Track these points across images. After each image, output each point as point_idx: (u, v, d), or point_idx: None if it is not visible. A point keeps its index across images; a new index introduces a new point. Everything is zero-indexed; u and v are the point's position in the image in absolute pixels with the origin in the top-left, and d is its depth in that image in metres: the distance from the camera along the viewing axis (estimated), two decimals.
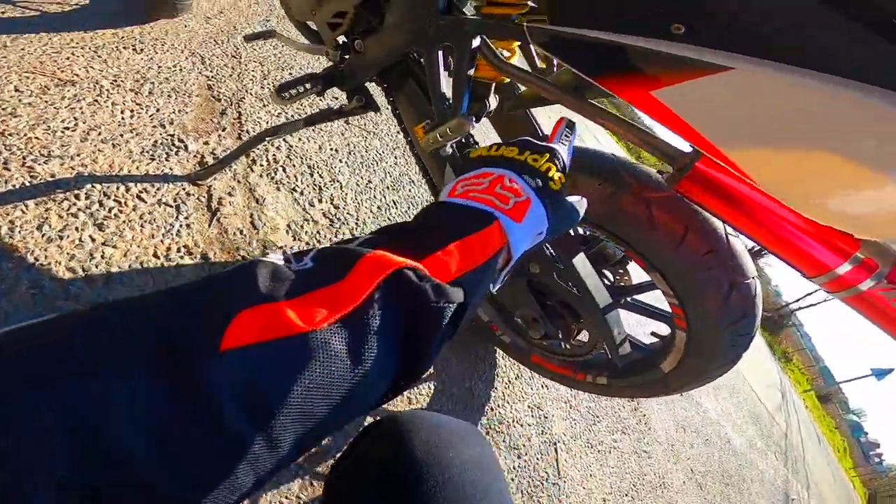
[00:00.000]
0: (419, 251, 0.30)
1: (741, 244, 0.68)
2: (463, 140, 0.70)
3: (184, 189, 0.95)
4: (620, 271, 0.92)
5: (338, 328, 0.23)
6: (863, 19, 0.34)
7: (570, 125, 0.48)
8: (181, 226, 0.89)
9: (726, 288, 0.66)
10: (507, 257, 0.37)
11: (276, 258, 0.26)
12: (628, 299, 0.91)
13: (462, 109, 0.64)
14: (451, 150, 0.67)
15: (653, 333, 0.99)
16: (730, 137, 0.43)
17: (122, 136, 0.97)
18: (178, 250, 0.86)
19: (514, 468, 1.19)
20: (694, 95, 0.43)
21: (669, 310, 0.81)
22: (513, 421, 1.28)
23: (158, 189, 0.92)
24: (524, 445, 1.26)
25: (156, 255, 0.84)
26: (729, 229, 0.67)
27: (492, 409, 1.24)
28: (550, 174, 0.40)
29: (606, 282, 0.92)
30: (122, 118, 1.01)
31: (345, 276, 0.25)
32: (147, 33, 1.24)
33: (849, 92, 0.35)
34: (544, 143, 0.43)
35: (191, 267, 0.86)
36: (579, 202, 0.45)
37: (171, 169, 0.97)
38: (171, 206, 0.91)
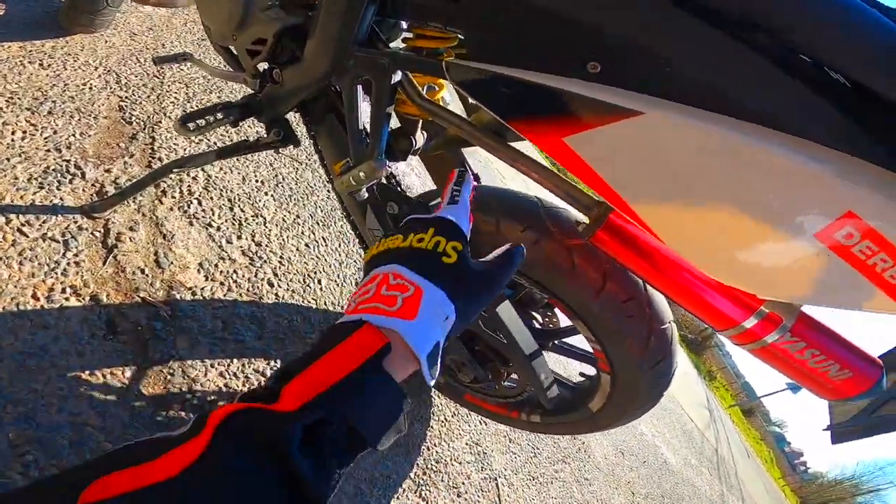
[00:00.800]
0: (283, 383, 0.30)
1: (656, 291, 0.70)
2: (384, 181, 0.68)
3: (75, 222, 0.84)
4: (549, 314, 0.92)
5: (192, 472, 0.24)
6: (781, 65, 0.35)
7: (461, 176, 0.46)
8: (68, 263, 0.79)
9: (645, 334, 0.67)
10: (410, 357, 0.34)
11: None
12: (555, 342, 0.91)
13: (380, 149, 0.61)
14: (367, 195, 0.64)
15: (581, 374, 0.99)
16: (636, 190, 0.42)
17: (8, 160, 0.86)
18: (63, 291, 0.76)
19: None
20: (603, 142, 0.42)
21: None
22: (451, 459, 1.24)
23: (45, 222, 0.82)
24: (463, 483, 1.22)
25: (35, 297, 0.73)
26: None
27: (428, 449, 1.19)
28: (440, 249, 0.38)
29: (536, 324, 0.91)
30: (12, 140, 0.90)
31: (199, 433, 0.26)
32: (59, 48, 1.13)
33: (756, 143, 0.35)
34: (428, 216, 0.41)
35: (77, 309, 0.76)
36: (504, 255, 0.42)
37: (61, 199, 0.86)
38: (57, 242, 0.80)
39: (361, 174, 0.59)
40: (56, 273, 0.77)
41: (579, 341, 0.95)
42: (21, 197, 0.83)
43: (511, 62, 0.48)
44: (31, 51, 1.08)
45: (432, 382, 0.36)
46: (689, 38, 0.38)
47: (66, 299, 0.76)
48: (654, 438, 3.16)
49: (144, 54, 1.30)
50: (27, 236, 0.78)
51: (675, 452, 3.58)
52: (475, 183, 0.50)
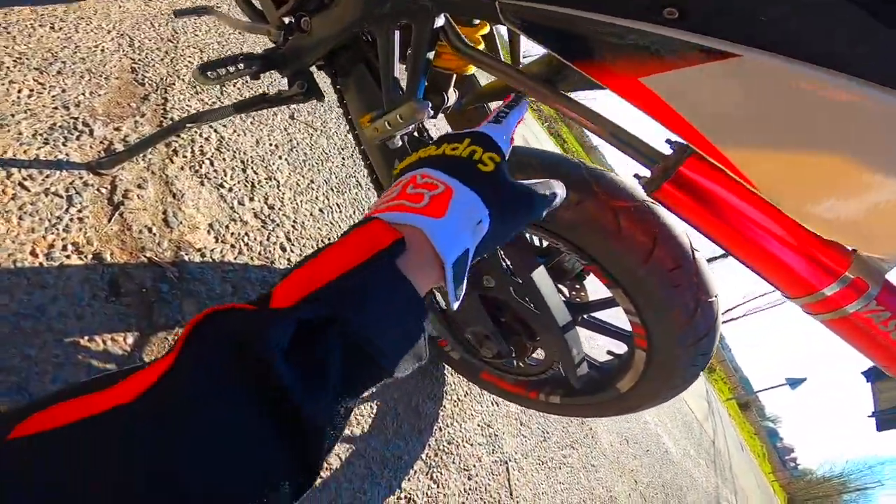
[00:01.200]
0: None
1: (704, 260, 0.65)
2: (415, 133, 0.62)
3: (80, 178, 0.79)
4: (577, 286, 0.88)
5: (150, 396, 0.19)
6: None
7: (516, 101, 0.43)
8: (71, 219, 0.74)
9: (692, 306, 0.63)
10: (434, 262, 0.29)
11: None
12: (585, 316, 0.87)
13: (418, 93, 0.56)
14: (400, 143, 0.59)
15: (609, 352, 0.95)
16: (728, 133, 0.38)
17: (12, 116, 0.81)
18: (64, 248, 0.71)
19: (464, 491, 1.12)
20: (690, 84, 0.38)
21: (629, 328, 0.76)
22: (462, 441, 1.21)
23: (48, 177, 0.77)
24: (474, 466, 1.20)
25: (34, 254, 0.69)
26: (694, 244, 0.64)
27: (440, 429, 1.17)
28: (476, 157, 0.34)
29: (563, 297, 0.87)
30: (18, 97, 0.85)
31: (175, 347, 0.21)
32: (72, 12, 1.09)
33: (882, 96, 0.31)
34: (463, 131, 0.37)
35: (78, 268, 0.71)
36: (545, 184, 0.38)
37: (67, 155, 0.81)
38: (60, 197, 0.75)
39: (399, 117, 0.54)
40: (58, 229, 0.72)
41: (608, 317, 0.91)
42: (24, 152, 0.78)
43: (575, 3, 0.42)
44: (42, 14, 1.04)
45: (456, 304, 0.31)
46: None
47: (67, 257, 0.71)
48: (656, 428, 3.17)
49: (159, 19, 1.26)
50: (29, 191, 0.74)
51: (676, 443, 3.60)
52: (524, 115, 0.45)
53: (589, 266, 0.68)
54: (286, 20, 0.73)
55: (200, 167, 0.98)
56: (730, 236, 0.45)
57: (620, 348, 0.88)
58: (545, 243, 0.80)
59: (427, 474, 1.05)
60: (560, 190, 0.39)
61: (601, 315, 0.91)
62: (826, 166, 0.34)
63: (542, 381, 1.00)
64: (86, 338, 0.67)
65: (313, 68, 0.77)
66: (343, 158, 1.42)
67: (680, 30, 0.37)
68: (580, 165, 0.64)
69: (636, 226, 0.60)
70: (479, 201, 0.31)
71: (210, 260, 0.87)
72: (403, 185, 0.32)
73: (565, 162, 0.65)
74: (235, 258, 0.91)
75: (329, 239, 1.18)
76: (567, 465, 1.64)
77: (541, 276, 0.68)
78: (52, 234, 0.71)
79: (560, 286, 0.89)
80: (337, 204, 1.27)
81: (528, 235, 0.73)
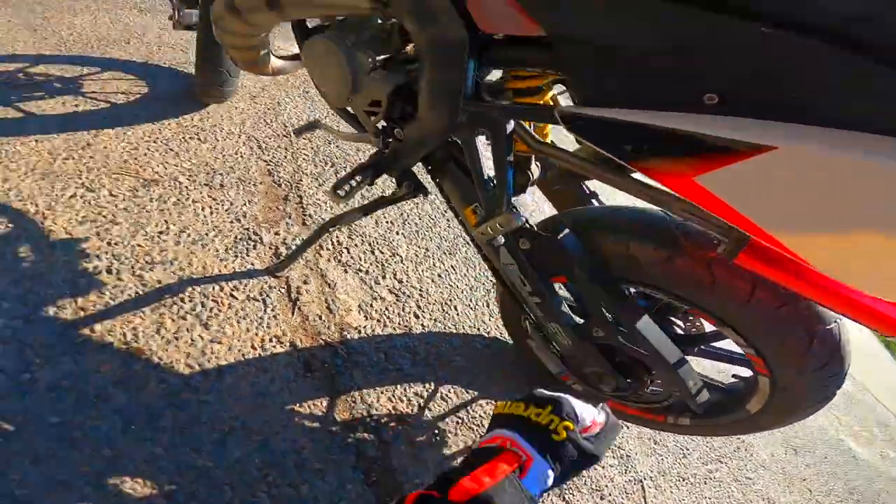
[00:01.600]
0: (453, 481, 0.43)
1: None
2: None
3: (266, 283, 1.06)
4: (691, 318, 0.90)
5: None
6: None
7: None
8: (269, 318, 1.00)
9: (806, 338, 0.64)
10: None
11: None
12: (702, 347, 0.88)
13: (508, 197, 0.67)
14: (503, 239, 0.71)
15: (734, 375, 0.94)
16: (779, 221, 0.42)
17: (207, 234, 1.09)
18: (271, 340, 0.97)
19: None
20: (737, 179, 0.43)
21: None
22: None
23: (245, 285, 1.04)
24: (607, 486, 1.21)
25: (253, 347, 0.95)
26: None
27: None
28: (552, 426, 0.48)
29: (679, 330, 0.89)
30: (204, 216, 1.12)
31: None
32: (206, 120, 1.35)
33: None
34: (550, 395, 0.52)
35: (282, 354, 0.96)
36: (605, 434, 0.53)
37: (252, 264, 1.08)
38: (258, 301, 1.02)
39: (499, 225, 0.66)
40: (263, 326, 0.98)
41: (730, 343, 0.91)
42: (225, 266, 1.06)
43: (620, 103, 0.49)
44: (185, 126, 1.30)
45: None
46: (808, 62, 0.38)
47: (274, 347, 0.96)
48: (837, 433, 2.73)
49: (268, 115, 1.51)
50: (237, 299, 1.01)
51: (868, 445, 3.05)
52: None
53: (692, 310, 0.72)
54: (380, 125, 0.83)
55: (341, 256, 1.21)
56: (814, 291, 0.48)
57: (745, 371, 0.88)
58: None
59: (560, 496, 1.09)
60: (615, 429, 0.56)
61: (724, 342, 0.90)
62: (871, 239, 0.38)
63: (667, 406, 1.02)
64: (296, 405, 0.91)
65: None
66: (447, 220, 1.56)
67: (722, 116, 0.43)
68: (667, 219, 0.68)
69: (731, 273, 0.62)
70: (549, 469, 0.46)
71: (364, 335, 1.08)
72: (500, 443, 0.49)
73: (652, 217, 0.69)
74: (382, 330, 1.11)
75: (451, 301, 1.32)
76: (714, 480, 1.55)
77: (646, 324, 0.72)
78: (261, 330, 0.97)
79: (674, 319, 0.91)
80: (451, 266, 1.42)
81: (626, 289, 0.78)
